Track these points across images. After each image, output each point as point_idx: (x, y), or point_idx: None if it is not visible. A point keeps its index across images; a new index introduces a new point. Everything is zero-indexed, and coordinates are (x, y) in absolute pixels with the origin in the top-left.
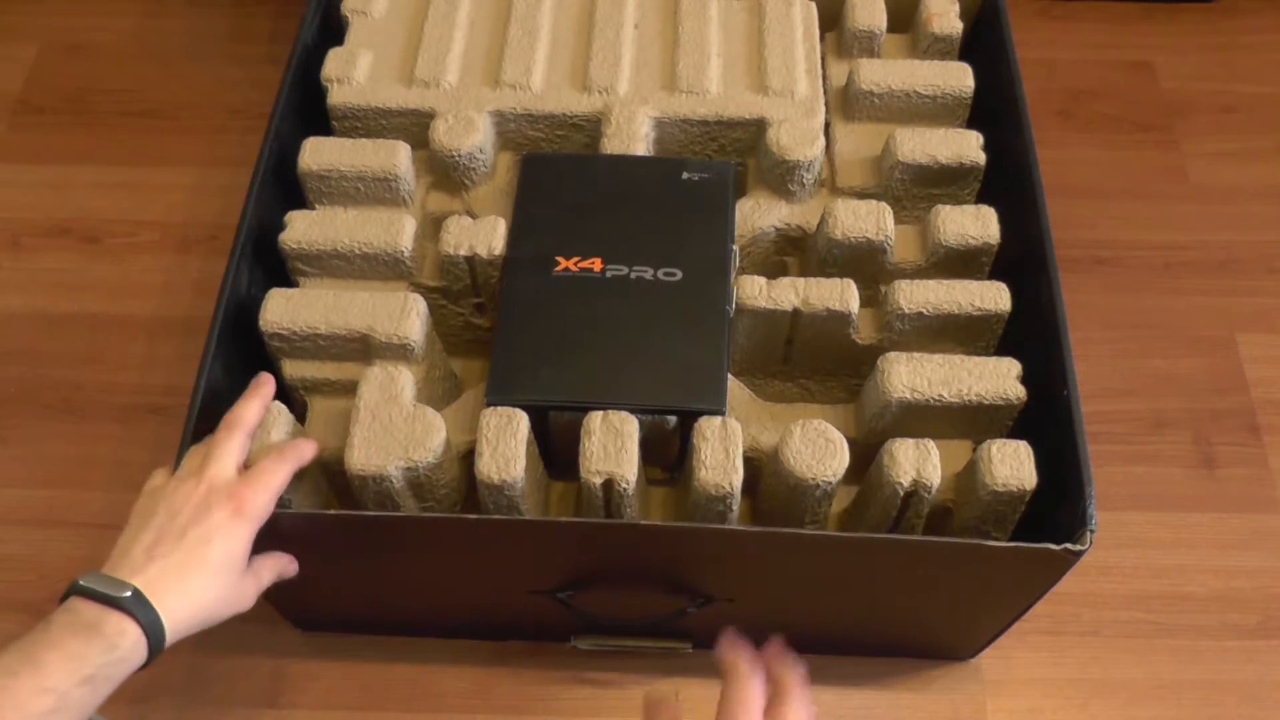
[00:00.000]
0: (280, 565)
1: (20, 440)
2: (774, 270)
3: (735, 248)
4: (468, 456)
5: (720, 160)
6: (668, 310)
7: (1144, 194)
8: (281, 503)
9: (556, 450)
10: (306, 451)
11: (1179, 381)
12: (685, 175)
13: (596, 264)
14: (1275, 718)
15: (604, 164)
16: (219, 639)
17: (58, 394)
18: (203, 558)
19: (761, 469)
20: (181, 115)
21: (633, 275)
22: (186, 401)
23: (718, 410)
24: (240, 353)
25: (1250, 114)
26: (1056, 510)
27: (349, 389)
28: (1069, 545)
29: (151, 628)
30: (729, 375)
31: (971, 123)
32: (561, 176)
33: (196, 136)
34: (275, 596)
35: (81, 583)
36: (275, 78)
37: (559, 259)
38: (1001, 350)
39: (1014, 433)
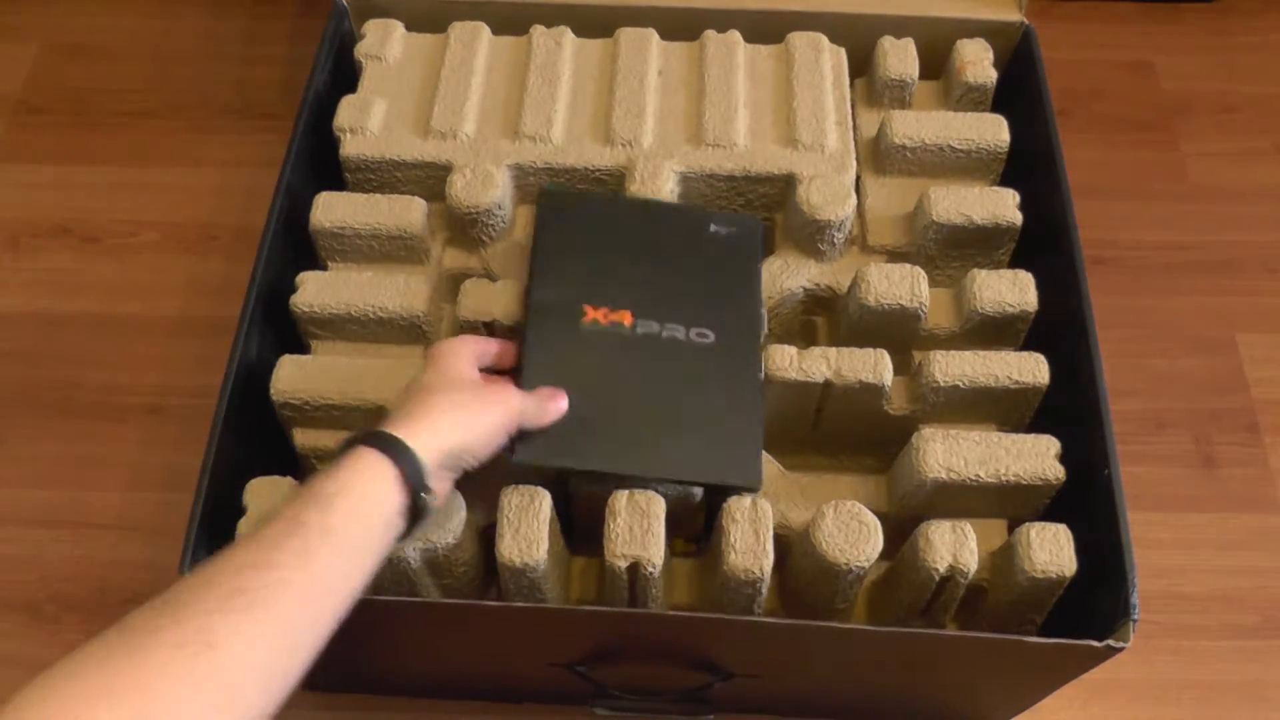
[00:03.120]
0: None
1: (20, 440)
2: (802, 330)
3: (764, 311)
4: (486, 530)
5: (747, 215)
6: (702, 375)
7: (1144, 194)
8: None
9: (578, 523)
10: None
11: (1179, 381)
12: (713, 228)
13: (627, 318)
14: (1275, 718)
15: (628, 207)
16: None
17: (58, 394)
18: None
19: (791, 546)
20: (181, 115)
21: (665, 334)
22: (186, 401)
23: (754, 486)
24: (251, 418)
25: (1250, 114)
26: (1095, 593)
27: None
28: (1111, 643)
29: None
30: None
31: (1005, 175)
32: (583, 216)
33: (196, 136)
34: None
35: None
36: (279, 78)
37: (587, 308)
38: (1037, 419)
39: (1050, 508)
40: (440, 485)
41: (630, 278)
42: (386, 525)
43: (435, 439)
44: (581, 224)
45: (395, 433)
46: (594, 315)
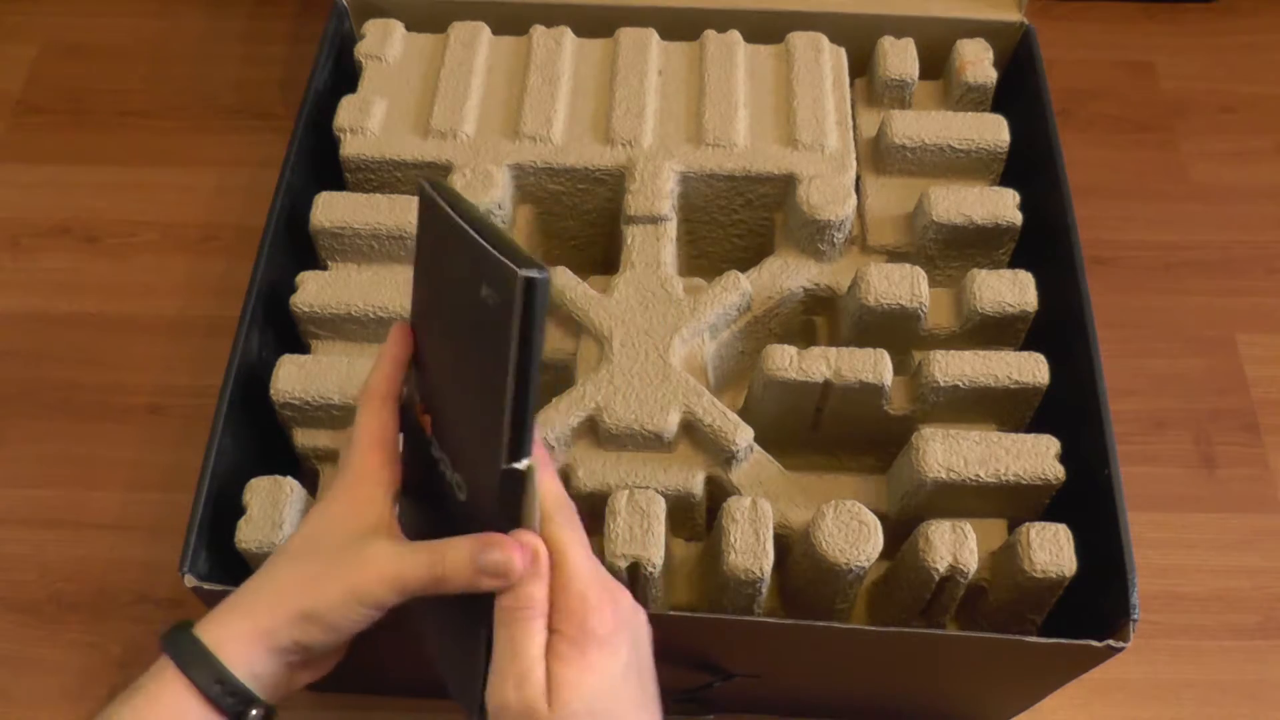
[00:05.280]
0: None
1: (20, 440)
2: (802, 330)
3: (524, 464)
4: None
5: (508, 271)
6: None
7: (1144, 194)
8: None
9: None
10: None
11: (1179, 381)
12: (484, 292)
13: (428, 426)
14: (1275, 717)
15: (441, 229)
16: None
17: (58, 394)
18: None
19: (790, 546)
20: (182, 115)
21: (440, 467)
22: (186, 401)
23: None
24: (251, 418)
25: (1250, 114)
26: (1095, 592)
27: None
28: (1111, 643)
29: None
30: (756, 448)
31: (1005, 175)
32: (435, 238)
33: (196, 136)
34: None
35: None
36: (279, 78)
37: (420, 402)
38: (1037, 419)
39: (1050, 508)
40: (285, 680)
41: (437, 351)
42: None
43: (257, 618)
44: (430, 252)
45: (214, 617)
46: (422, 416)
